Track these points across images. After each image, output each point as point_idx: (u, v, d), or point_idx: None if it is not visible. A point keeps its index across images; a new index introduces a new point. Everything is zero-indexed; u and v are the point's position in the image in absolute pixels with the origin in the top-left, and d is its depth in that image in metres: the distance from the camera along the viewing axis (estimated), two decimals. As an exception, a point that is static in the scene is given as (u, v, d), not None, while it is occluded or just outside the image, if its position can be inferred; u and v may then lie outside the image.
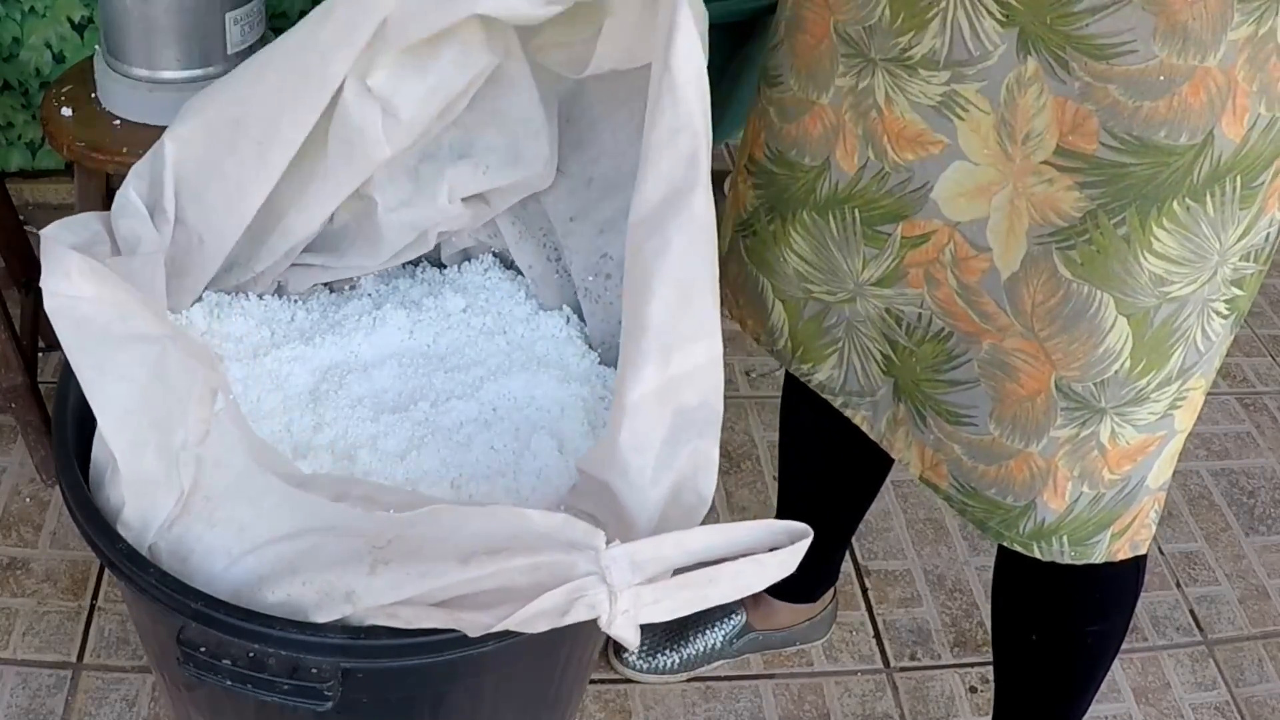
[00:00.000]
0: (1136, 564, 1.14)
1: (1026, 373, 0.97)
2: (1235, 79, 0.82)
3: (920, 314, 1.02)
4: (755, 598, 1.56)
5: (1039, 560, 1.06)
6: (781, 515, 1.46)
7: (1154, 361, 0.94)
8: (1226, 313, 0.95)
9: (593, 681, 1.52)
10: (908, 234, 0.98)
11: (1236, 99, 0.83)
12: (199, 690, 0.88)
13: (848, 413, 1.12)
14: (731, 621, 1.56)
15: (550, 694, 0.98)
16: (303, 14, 2.07)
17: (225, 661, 0.73)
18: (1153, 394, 0.96)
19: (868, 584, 1.72)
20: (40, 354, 1.78)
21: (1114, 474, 1.00)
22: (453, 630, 0.76)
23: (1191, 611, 1.77)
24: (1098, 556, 1.05)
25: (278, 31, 1.58)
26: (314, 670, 0.73)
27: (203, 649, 0.74)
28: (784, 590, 1.54)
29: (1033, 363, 0.96)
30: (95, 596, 1.54)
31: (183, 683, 0.90)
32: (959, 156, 0.92)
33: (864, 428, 1.12)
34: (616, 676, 1.55)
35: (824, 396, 1.14)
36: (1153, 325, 0.92)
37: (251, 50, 1.42)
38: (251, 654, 0.73)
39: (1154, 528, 1.08)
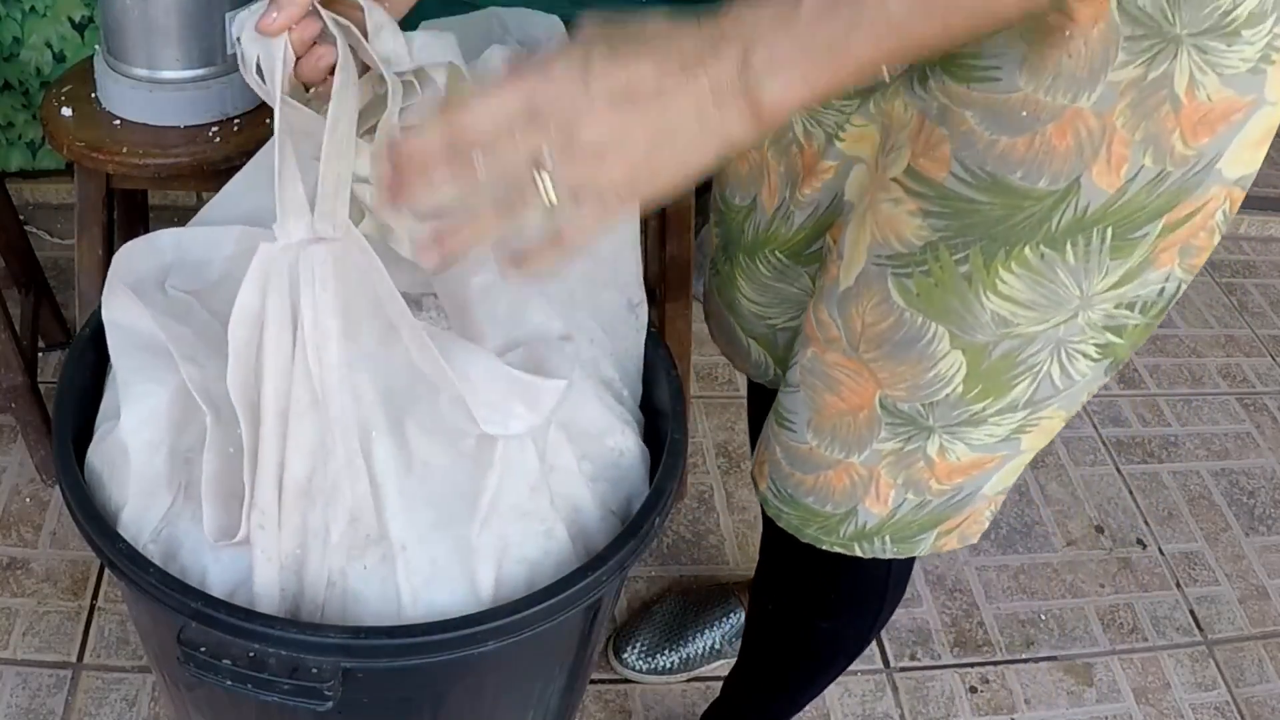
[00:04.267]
0: (889, 571, 1.09)
1: (849, 387, 0.91)
2: (1112, 125, 0.72)
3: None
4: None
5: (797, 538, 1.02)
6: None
7: (991, 389, 0.87)
8: (1098, 356, 0.87)
9: (593, 681, 1.52)
10: (835, 236, 0.93)
11: (1112, 147, 0.73)
12: (199, 690, 0.88)
13: None
14: (730, 621, 1.56)
15: (550, 694, 0.98)
16: (303, 14, 2.03)
17: (225, 661, 0.73)
18: (991, 418, 0.89)
19: (868, 584, 1.72)
20: (40, 354, 1.78)
21: (942, 484, 0.95)
22: (453, 631, 0.76)
23: (1191, 611, 1.77)
24: (922, 550, 1.01)
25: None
26: (314, 670, 0.73)
27: (203, 649, 0.73)
28: None
29: (855, 379, 0.90)
30: (95, 596, 1.54)
31: (183, 683, 0.90)
32: (860, 160, 0.88)
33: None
34: (616, 676, 1.55)
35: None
36: (990, 357, 0.84)
37: (251, 50, 1.42)
38: (251, 654, 0.73)
39: (987, 524, 1.03)
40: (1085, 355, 0.86)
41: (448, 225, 0.61)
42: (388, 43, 0.75)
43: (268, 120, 1.41)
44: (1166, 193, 0.76)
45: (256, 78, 0.74)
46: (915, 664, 1.63)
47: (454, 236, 0.61)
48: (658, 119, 0.59)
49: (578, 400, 0.88)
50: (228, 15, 1.37)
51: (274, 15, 0.71)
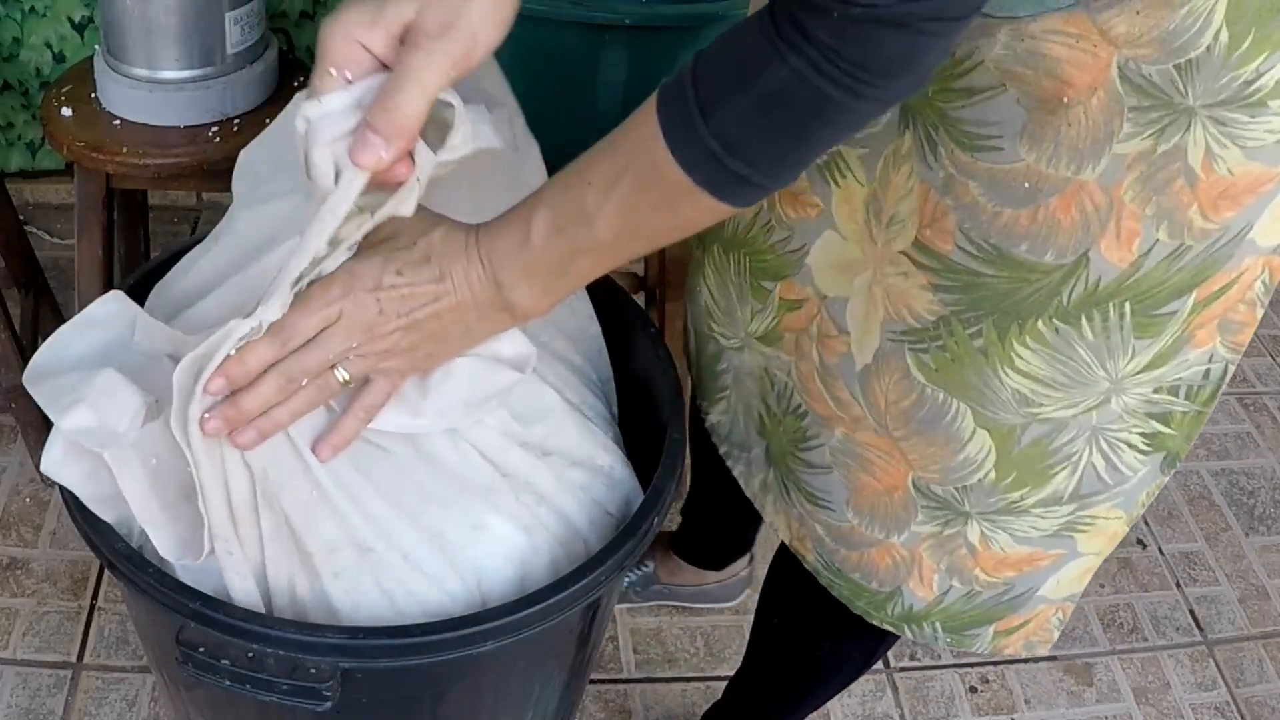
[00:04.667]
0: None
1: (881, 467, 0.89)
2: (1120, 199, 0.69)
3: (787, 383, 0.96)
4: (664, 554, 1.60)
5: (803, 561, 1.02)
6: (692, 494, 1.46)
7: (1027, 478, 0.84)
8: (1146, 448, 0.83)
9: (593, 681, 1.52)
10: (785, 295, 0.92)
11: (1122, 221, 0.70)
12: (198, 690, 0.88)
13: (729, 463, 1.09)
14: (641, 570, 1.60)
15: (549, 694, 0.98)
16: (302, 14, 2.07)
17: (224, 662, 0.73)
18: (1034, 509, 0.86)
19: (868, 584, 1.72)
20: (40, 354, 1.78)
21: (990, 577, 0.92)
22: (452, 631, 0.76)
23: (1191, 611, 1.77)
24: (981, 648, 0.98)
25: (277, 32, 1.58)
26: (313, 670, 0.73)
27: (202, 649, 0.73)
28: (688, 555, 1.58)
29: (887, 459, 0.89)
30: (95, 596, 1.54)
31: (182, 683, 0.90)
32: (830, 225, 0.86)
33: (740, 482, 1.07)
34: (616, 676, 1.55)
35: (712, 440, 1.10)
36: (1020, 443, 0.82)
37: (251, 50, 1.42)
38: (250, 654, 0.73)
39: (1056, 634, 1.00)
40: (1131, 446, 0.83)
41: (263, 419, 0.74)
42: (455, 149, 0.72)
43: (267, 120, 1.41)
44: (1190, 267, 0.72)
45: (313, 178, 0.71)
46: (915, 664, 1.63)
47: (269, 421, 0.74)
48: (434, 329, 0.74)
49: (559, 427, 0.88)
50: (228, 15, 1.37)
51: (380, 154, 0.66)
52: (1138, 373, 0.78)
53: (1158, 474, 0.87)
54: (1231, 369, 0.81)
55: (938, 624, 0.97)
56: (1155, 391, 0.80)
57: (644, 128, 0.66)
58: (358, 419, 0.77)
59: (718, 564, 1.59)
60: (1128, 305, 0.74)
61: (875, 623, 0.99)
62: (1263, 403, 2.18)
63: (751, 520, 1.48)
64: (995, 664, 1.64)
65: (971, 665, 1.64)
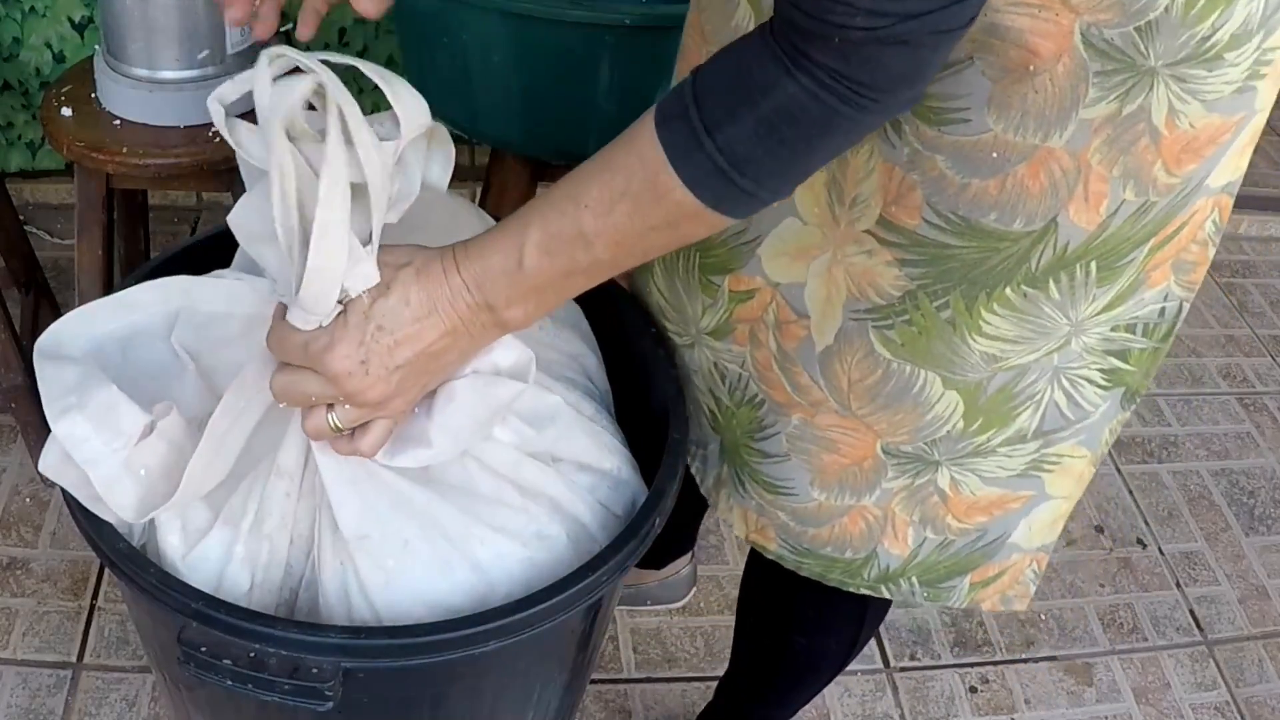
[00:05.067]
0: (866, 596, 1.06)
1: (848, 444, 0.90)
2: (1087, 163, 0.70)
3: (740, 374, 0.95)
4: None
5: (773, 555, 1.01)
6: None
7: (993, 420, 0.85)
8: (1106, 384, 0.85)
9: (593, 681, 1.52)
10: (734, 288, 0.92)
11: (1089, 185, 0.71)
12: (199, 690, 0.88)
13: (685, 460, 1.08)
14: None
15: (550, 694, 0.98)
16: (303, 14, 2.03)
17: (226, 662, 0.73)
18: (1000, 449, 0.87)
19: (868, 584, 1.72)
20: (40, 354, 1.78)
21: (963, 523, 0.93)
22: (453, 631, 0.76)
23: (1191, 611, 1.77)
24: (957, 601, 0.99)
25: (277, 31, 1.58)
26: (314, 670, 0.73)
27: (203, 649, 0.73)
28: None
29: (853, 435, 0.89)
30: (95, 596, 1.54)
31: (183, 683, 0.90)
32: (791, 212, 0.85)
33: (696, 479, 1.06)
34: (616, 676, 1.55)
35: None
36: (986, 393, 0.84)
37: (252, 50, 1.42)
38: (252, 654, 0.73)
39: (1032, 588, 1.00)
40: (1091, 382, 0.85)
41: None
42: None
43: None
44: (1153, 221, 0.75)
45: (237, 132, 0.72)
46: (915, 664, 1.63)
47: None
48: (424, 363, 0.73)
49: (566, 431, 0.88)
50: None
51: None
52: (1096, 315, 0.80)
53: (1118, 409, 0.89)
54: (1186, 307, 0.84)
55: (914, 579, 0.97)
56: (1113, 330, 0.82)
57: (643, 148, 0.66)
58: (361, 458, 0.77)
59: (657, 562, 1.59)
60: (1094, 264, 0.76)
61: (852, 589, 0.99)
62: (1263, 403, 2.18)
63: (692, 516, 1.49)
64: (995, 664, 1.64)
65: (971, 665, 1.64)
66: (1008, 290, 0.77)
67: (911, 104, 0.64)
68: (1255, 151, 0.79)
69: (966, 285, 0.77)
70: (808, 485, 0.94)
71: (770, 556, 1.01)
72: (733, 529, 1.04)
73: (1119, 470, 1.99)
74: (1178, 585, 1.80)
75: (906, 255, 0.78)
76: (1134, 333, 0.83)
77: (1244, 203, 0.82)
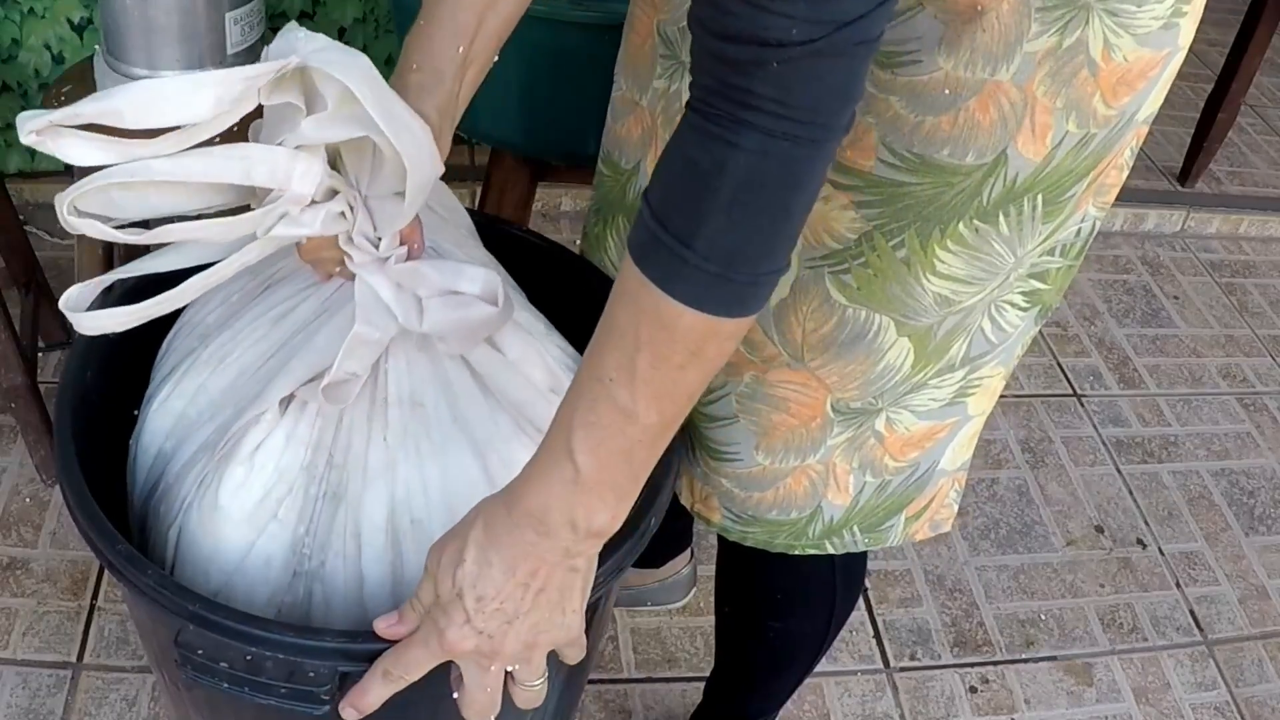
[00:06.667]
0: (832, 569, 1.08)
1: (798, 402, 0.90)
2: (1033, 94, 0.74)
3: None
4: None
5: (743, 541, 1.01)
6: None
7: (934, 359, 0.88)
8: (1025, 305, 0.88)
9: (592, 681, 1.52)
10: None
11: (1035, 116, 0.74)
12: (198, 691, 0.88)
13: None
14: None
15: (550, 694, 0.98)
16: (302, 14, 2.06)
17: (223, 664, 0.73)
18: (930, 381, 0.89)
19: (867, 584, 1.72)
20: (40, 354, 1.78)
21: (898, 461, 0.95)
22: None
23: (1191, 611, 1.77)
24: (894, 540, 1.00)
25: (276, 31, 1.58)
26: (311, 674, 0.73)
27: (200, 651, 0.73)
28: None
29: (803, 390, 0.89)
30: (95, 596, 1.54)
31: (182, 683, 0.90)
32: None
33: None
34: (616, 676, 1.55)
35: None
36: (936, 338, 0.86)
37: (252, 50, 1.42)
38: (249, 657, 0.73)
39: (955, 506, 1.02)
40: (1013, 305, 0.87)
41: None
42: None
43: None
44: (1093, 154, 0.78)
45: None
46: (915, 664, 1.63)
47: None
48: (539, 602, 0.71)
49: None
50: (228, 15, 1.37)
51: None
52: (1034, 249, 0.83)
53: (1032, 326, 0.92)
54: (1099, 225, 0.87)
55: (855, 528, 0.99)
56: (1042, 254, 0.85)
57: (634, 292, 0.64)
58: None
59: (655, 560, 1.59)
60: (1040, 197, 0.79)
61: (797, 552, 1.00)
62: (1263, 403, 2.18)
63: (684, 512, 1.49)
64: (995, 664, 1.64)
65: (971, 665, 1.64)
66: (960, 225, 0.79)
67: (850, 129, 0.63)
68: (1255, 151, 0.81)
69: (921, 223, 0.80)
70: (752, 450, 0.95)
71: (714, 529, 1.02)
72: (680, 497, 1.04)
73: (1119, 470, 1.99)
74: (1178, 585, 1.80)
75: (862, 197, 0.80)
76: (1054, 254, 0.86)
77: (1244, 203, 0.84)
